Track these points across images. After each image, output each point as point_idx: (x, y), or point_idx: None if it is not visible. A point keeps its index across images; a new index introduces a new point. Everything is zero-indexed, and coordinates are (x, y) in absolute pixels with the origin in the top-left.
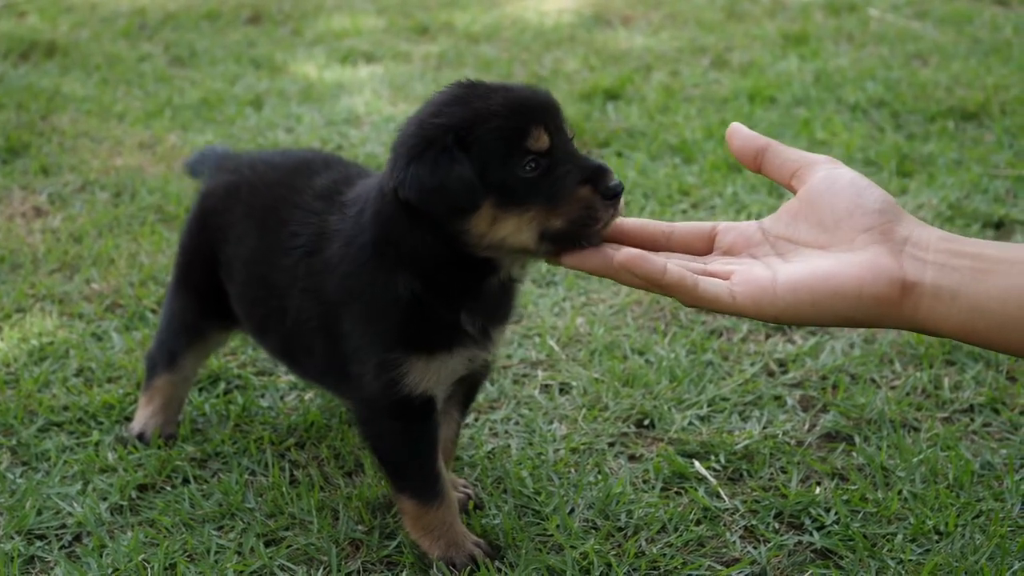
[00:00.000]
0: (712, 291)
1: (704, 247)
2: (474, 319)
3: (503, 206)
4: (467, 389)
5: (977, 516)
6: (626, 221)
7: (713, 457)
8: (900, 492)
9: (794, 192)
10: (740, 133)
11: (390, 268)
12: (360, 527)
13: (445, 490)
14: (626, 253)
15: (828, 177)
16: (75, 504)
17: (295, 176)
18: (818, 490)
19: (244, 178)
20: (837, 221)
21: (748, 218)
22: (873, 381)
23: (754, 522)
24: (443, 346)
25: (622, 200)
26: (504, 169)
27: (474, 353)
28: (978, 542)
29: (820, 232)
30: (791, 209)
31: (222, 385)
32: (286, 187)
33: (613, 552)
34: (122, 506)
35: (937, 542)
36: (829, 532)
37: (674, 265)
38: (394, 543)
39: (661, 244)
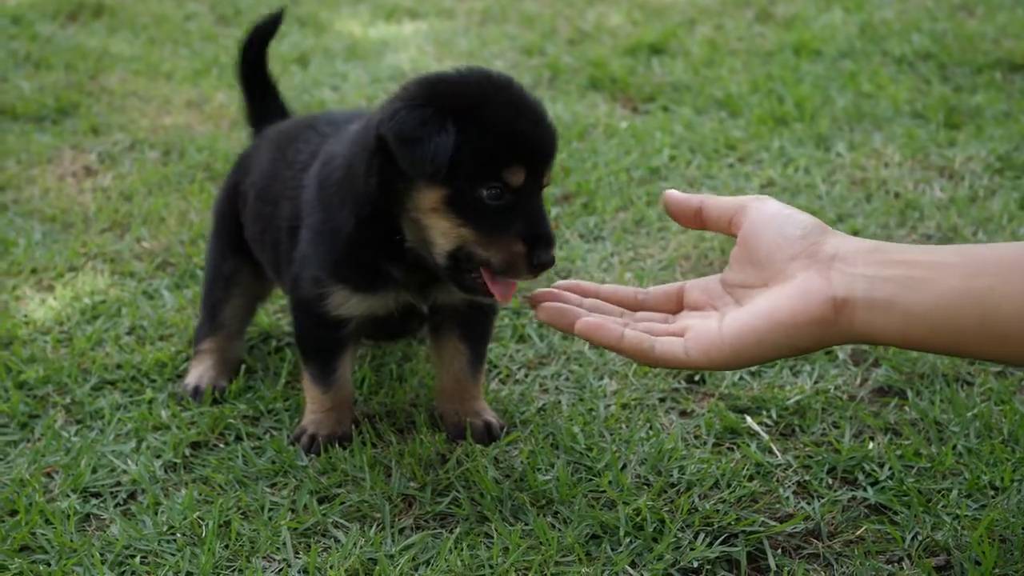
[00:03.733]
0: (669, 351)
1: (675, 307)
2: (410, 276)
3: (449, 207)
4: (462, 323)
5: None
6: (601, 288)
7: (764, 412)
8: (954, 447)
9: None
10: (675, 200)
11: (341, 201)
12: (412, 483)
13: (336, 385)
14: (584, 323)
15: (755, 216)
16: (129, 462)
17: (319, 114)
18: (871, 445)
19: (274, 126)
20: (769, 256)
21: (796, 173)
22: None
23: (807, 477)
24: (366, 285)
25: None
26: (471, 180)
27: (403, 297)
28: None
29: (759, 271)
30: (737, 256)
31: (273, 343)
32: (308, 120)
33: (666, 508)
34: (176, 463)
35: (993, 497)
36: (883, 488)
37: (631, 332)
38: (447, 499)
39: (634, 308)
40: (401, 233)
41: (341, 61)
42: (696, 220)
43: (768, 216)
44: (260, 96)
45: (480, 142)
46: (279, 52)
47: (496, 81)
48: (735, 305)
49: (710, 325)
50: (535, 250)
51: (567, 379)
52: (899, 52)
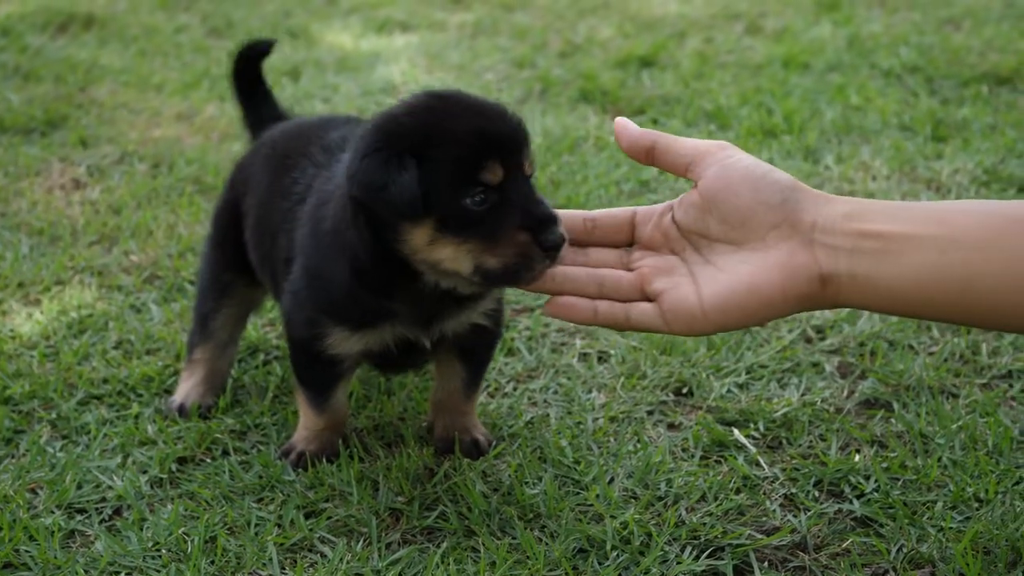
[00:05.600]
0: (645, 321)
1: (625, 237)
2: (413, 311)
3: (443, 231)
4: (465, 346)
5: (1017, 483)
6: None
7: (752, 425)
8: (939, 459)
9: (694, 183)
10: (628, 132)
11: (336, 249)
12: (400, 498)
13: (331, 410)
14: (554, 304)
15: (723, 171)
16: (115, 477)
17: (312, 128)
18: (857, 457)
19: (270, 133)
20: (743, 220)
21: None
22: (911, 347)
23: (794, 490)
24: (369, 324)
25: (564, 249)
26: (452, 195)
27: (399, 331)
28: (1019, 509)
29: (729, 229)
30: (695, 203)
31: (261, 356)
32: (302, 138)
33: (653, 522)
34: (162, 479)
35: (977, 509)
36: (869, 500)
37: (604, 305)
38: (435, 513)
39: (583, 239)
40: (416, 274)
41: (332, 73)
42: (648, 158)
43: (739, 172)
44: (257, 104)
45: (445, 156)
46: (271, 64)
47: (443, 96)
48: (700, 258)
49: (687, 295)
50: (541, 233)
51: (555, 392)
52: (887, 65)
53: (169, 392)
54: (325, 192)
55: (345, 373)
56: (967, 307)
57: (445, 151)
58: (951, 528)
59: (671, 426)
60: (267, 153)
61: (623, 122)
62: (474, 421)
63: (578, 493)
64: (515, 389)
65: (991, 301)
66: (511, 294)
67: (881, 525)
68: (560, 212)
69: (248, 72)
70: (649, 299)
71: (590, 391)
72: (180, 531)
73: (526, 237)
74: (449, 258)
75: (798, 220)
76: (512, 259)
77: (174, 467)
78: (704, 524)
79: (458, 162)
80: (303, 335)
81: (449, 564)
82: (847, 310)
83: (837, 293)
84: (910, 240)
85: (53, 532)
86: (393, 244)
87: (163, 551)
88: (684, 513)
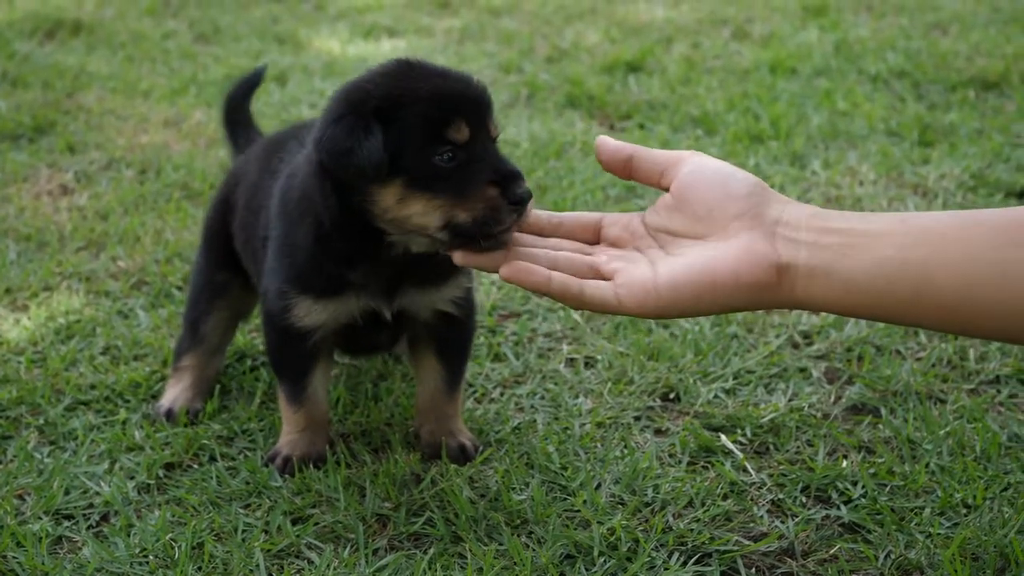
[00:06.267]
0: (598, 296)
1: (591, 238)
2: (371, 278)
3: (412, 188)
4: (439, 340)
5: (1005, 489)
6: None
7: (739, 430)
8: (927, 465)
9: (666, 191)
10: (607, 146)
11: (301, 216)
12: (387, 504)
13: (308, 404)
14: (511, 267)
15: (695, 169)
16: (103, 483)
17: (308, 121)
18: (845, 463)
19: (266, 135)
20: (709, 211)
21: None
22: (898, 353)
23: (781, 496)
24: (331, 293)
25: (529, 206)
26: (420, 153)
27: (364, 302)
28: (1007, 515)
29: (695, 223)
30: (666, 203)
31: (248, 362)
32: (294, 130)
33: (640, 528)
34: (149, 485)
35: (965, 515)
36: (856, 506)
37: (558, 275)
38: (422, 519)
39: (548, 235)
40: (381, 236)
41: (320, 79)
42: (625, 170)
43: (710, 170)
44: (243, 130)
45: (411, 117)
46: None
47: (407, 62)
48: (662, 252)
49: (642, 272)
50: (508, 188)
51: (542, 398)
52: (874, 70)
53: (156, 398)
54: (295, 164)
55: (317, 355)
56: (923, 303)
57: (412, 111)
58: (939, 534)
59: (658, 432)
60: (260, 146)
61: (603, 139)
62: (459, 425)
63: (565, 499)
64: (502, 395)
65: (947, 297)
66: (499, 300)
67: (869, 531)
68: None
69: (239, 104)
70: (605, 278)
71: (577, 396)
72: (167, 537)
73: (495, 191)
74: (418, 213)
75: (762, 213)
76: (481, 212)
77: (161, 473)
78: (691, 530)
79: (425, 121)
80: (274, 307)
81: (436, 570)
82: (834, 316)
83: (792, 287)
84: (871, 235)
85: (41, 538)
86: (361, 206)
87: (150, 557)
88: (671, 519)
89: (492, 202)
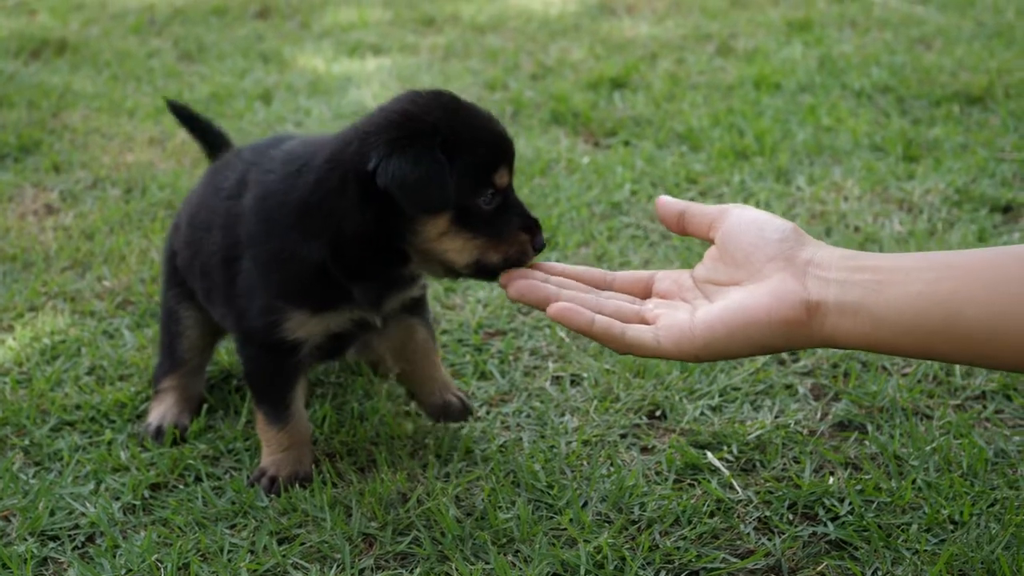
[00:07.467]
0: (639, 338)
1: (643, 293)
2: (369, 292)
3: (457, 225)
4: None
5: (992, 505)
6: (569, 268)
7: (725, 448)
8: (914, 481)
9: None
10: (663, 203)
11: (307, 231)
12: (373, 523)
13: (292, 420)
14: (557, 307)
15: (735, 220)
16: (88, 504)
17: (253, 144)
18: (831, 480)
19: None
20: (746, 256)
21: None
22: (884, 368)
23: (768, 513)
24: (329, 306)
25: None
26: (471, 193)
27: (359, 315)
28: (994, 531)
29: (735, 270)
30: (712, 254)
31: (233, 381)
32: (236, 150)
33: (627, 546)
34: (135, 505)
35: (952, 531)
36: (843, 523)
37: (602, 318)
38: (408, 538)
39: (602, 288)
40: (406, 259)
41: (304, 97)
42: (679, 224)
43: (748, 219)
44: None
45: (469, 159)
46: (243, 88)
47: (445, 98)
48: (706, 301)
49: (681, 316)
50: (533, 235)
51: (528, 416)
52: (858, 86)
53: (141, 418)
54: (271, 187)
55: (299, 370)
56: (953, 337)
57: (472, 152)
58: (926, 551)
59: (644, 449)
60: (205, 174)
61: (662, 198)
62: (448, 378)
63: (552, 517)
64: (488, 413)
65: (978, 328)
66: (484, 318)
67: (856, 548)
68: (581, 268)
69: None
70: (647, 323)
71: (563, 414)
72: (153, 558)
73: (525, 237)
74: (455, 249)
75: (794, 255)
76: (513, 255)
77: (147, 493)
78: (678, 548)
79: (480, 164)
80: (257, 324)
81: None
82: None
83: (823, 324)
84: (899, 271)
85: (26, 559)
86: (399, 230)
87: None
88: (658, 537)
89: (522, 247)
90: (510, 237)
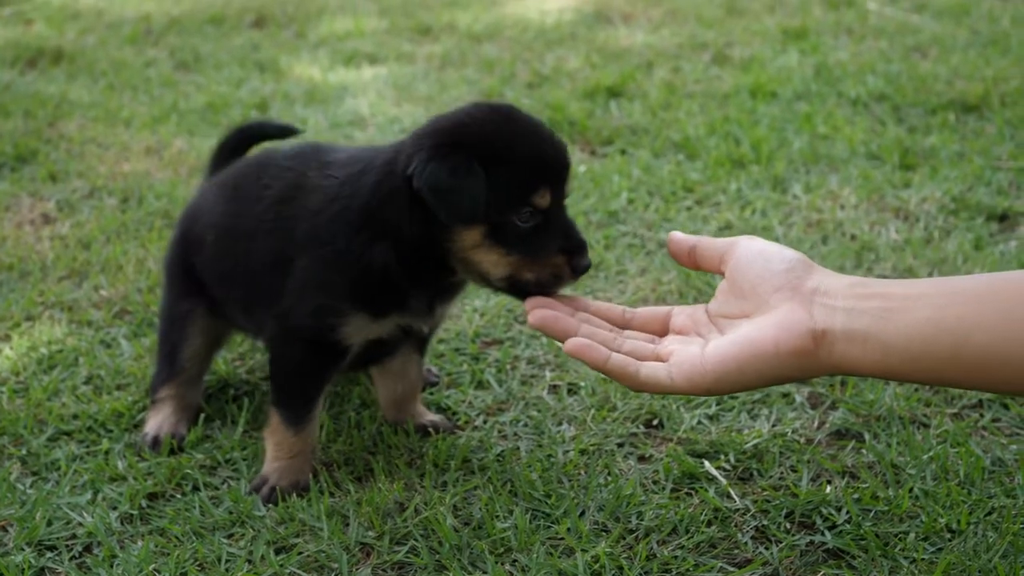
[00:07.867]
0: (653, 376)
1: (660, 330)
2: (425, 297)
3: (490, 239)
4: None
5: (989, 513)
6: (591, 304)
7: (723, 456)
8: (911, 490)
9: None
10: (675, 238)
11: (372, 234)
12: (371, 532)
13: (310, 425)
14: (574, 343)
15: (743, 252)
16: (85, 514)
17: (260, 154)
18: (829, 489)
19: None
20: (753, 288)
21: (753, 215)
22: None
23: (765, 522)
24: (387, 311)
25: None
26: (505, 210)
27: (412, 321)
28: (991, 540)
29: (744, 302)
30: (723, 288)
31: (231, 391)
32: (253, 160)
33: (624, 555)
34: (132, 515)
35: (950, 540)
36: (841, 532)
37: (618, 355)
38: (405, 547)
39: (620, 326)
40: (449, 266)
41: (301, 106)
42: (690, 259)
43: (755, 251)
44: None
45: (507, 175)
46: (239, 97)
47: (503, 112)
48: (718, 334)
49: (693, 351)
50: (574, 258)
51: (526, 425)
52: (854, 94)
53: (139, 427)
54: (330, 187)
55: (334, 373)
56: (963, 363)
57: (509, 169)
58: (923, 559)
59: (641, 458)
60: (218, 183)
61: (673, 234)
62: (422, 408)
63: (549, 527)
64: (485, 422)
65: (987, 354)
66: (481, 327)
67: (853, 557)
68: (600, 303)
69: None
70: (662, 359)
71: (560, 424)
72: (151, 568)
73: (562, 259)
74: (488, 262)
75: (800, 285)
76: (547, 277)
77: (144, 503)
78: (676, 557)
79: (517, 182)
80: (306, 323)
81: None
82: None
83: (830, 352)
84: (908, 298)
85: (23, 570)
86: (440, 237)
87: None
88: (655, 546)
89: (558, 269)
90: (546, 258)
